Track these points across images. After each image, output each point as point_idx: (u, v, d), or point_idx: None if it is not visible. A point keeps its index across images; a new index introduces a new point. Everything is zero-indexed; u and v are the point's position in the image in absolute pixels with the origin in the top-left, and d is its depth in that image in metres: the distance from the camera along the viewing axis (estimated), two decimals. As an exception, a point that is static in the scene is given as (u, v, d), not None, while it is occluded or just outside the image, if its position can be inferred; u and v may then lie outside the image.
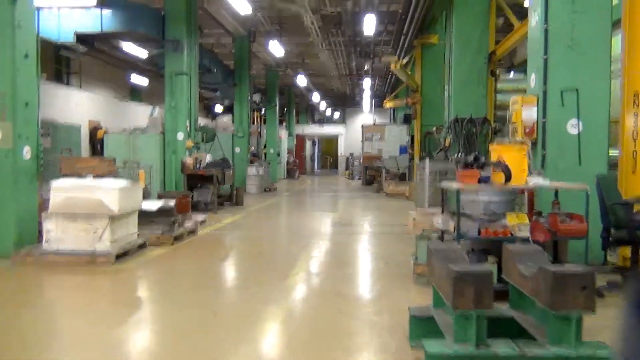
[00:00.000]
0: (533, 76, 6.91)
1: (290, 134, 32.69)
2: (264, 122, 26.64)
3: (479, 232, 5.04)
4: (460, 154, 11.61)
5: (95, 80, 18.70)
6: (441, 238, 5.71)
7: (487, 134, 11.72)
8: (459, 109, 11.79)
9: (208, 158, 12.71)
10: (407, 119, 23.21)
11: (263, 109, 27.75)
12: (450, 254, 3.80)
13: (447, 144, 11.82)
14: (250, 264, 7.03)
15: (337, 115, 42.55)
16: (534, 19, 6.94)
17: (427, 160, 11.26)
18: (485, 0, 11.77)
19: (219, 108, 31.54)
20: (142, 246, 7.30)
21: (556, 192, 5.47)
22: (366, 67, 24.09)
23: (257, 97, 19.18)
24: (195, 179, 12.34)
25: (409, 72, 17.24)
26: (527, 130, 6.66)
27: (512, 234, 4.99)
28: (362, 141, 24.06)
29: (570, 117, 6.52)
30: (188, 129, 12.56)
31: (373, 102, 30.64)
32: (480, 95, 11.83)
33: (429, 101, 17.81)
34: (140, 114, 18.66)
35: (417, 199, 12.35)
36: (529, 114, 6.67)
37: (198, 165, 12.02)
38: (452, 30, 11.94)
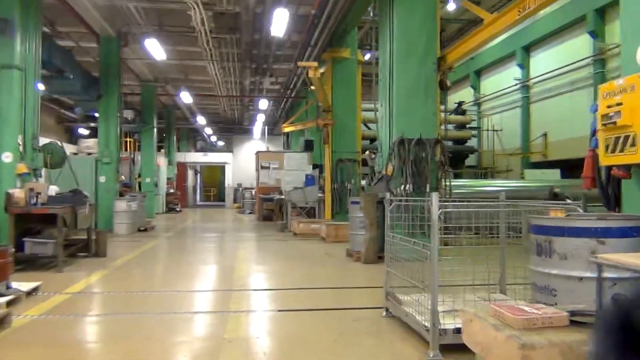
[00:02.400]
0: None
1: (170, 162, 28.49)
2: (139, 148, 22.45)
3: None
4: (407, 184, 8.85)
5: None
6: None
7: (441, 159, 9.11)
8: (403, 129, 9.09)
9: (52, 190, 8.72)
10: (309, 146, 20.46)
11: (136, 134, 23.50)
12: None
13: (388, 172, 9.02)
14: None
15: (221, 142, 38.97)
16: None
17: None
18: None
19: (85, 131, 26.65)
20: None
21: None
22: (263, 85, 21.07)
23: (129, 114, 15.24)
24: (32, 221, 8.31)
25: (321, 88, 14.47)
26: None
27: None
28: (256, 170, 20.86)
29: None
30: (21, 147, 8.53)
31: (266, 128, 27.61)
32: (429, 112, 9.25)
33: (341, 124, 15.14)
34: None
35: (355, 242, 9.36)
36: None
37: (34, 201, 8.02)
38: (392, 31, 9.30)
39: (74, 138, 30.55)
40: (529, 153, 25.10)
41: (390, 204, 5.40)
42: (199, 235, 14.85)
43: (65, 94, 14.52)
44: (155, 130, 21.77)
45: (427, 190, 8.92)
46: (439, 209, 4.16)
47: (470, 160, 26.01)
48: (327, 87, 15.04)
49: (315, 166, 20.18)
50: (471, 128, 27.64)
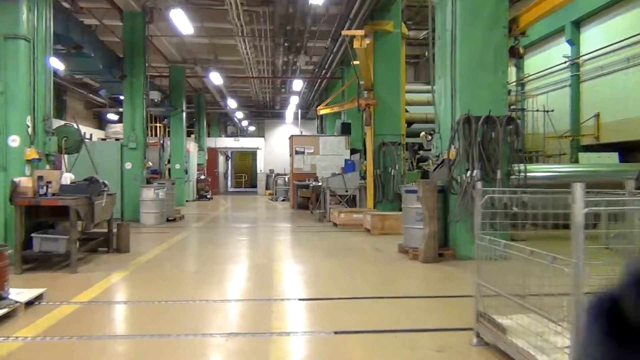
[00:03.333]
0: None
1: (200, 148, 27.57)
2: (168, 134, 21.45)
3: None
4: (473, 170, 7.51)
5: None
6: None
7: (514, 140, 7.72)
8: (469, 105, 7.73)
9: (66, 178, 7.67)
10: (346, 129, 19.15)
11: (165, 119, 22.54)
12: None
13: (450, 156, 7.68)
14: None
15: (253, 127, 37.96)
16: None
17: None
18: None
19: (114, 117, 25.90)
20: None
21: None
22: (297, 65, 19.78)
23: (155, 95, 14.18)
24: (43, 214, 7.29)
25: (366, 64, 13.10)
26: None
27: None
28: (290, 155, 19.68)
29: None
30: (30, 130, 7.49)
31: (299, 111, 26.36)
32: (499, 84, 7.86)
33: (384, 104, 13.79)
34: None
35: (411, 237, 8.08)
36: None
37: (44, 191, 6.97)
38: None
39: (102, 123, 29.94)
40: (579, 135, 23.33)
41: (483, 197, 4.07)
42: (231, 225, 13.78)
43: (85, 73, 13.53)
44: (184, 114, 20.75)
45: (498, 177, 7.56)
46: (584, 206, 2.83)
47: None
48: (369, 63, 13.66)
49: (353, 151, 18.92)
50: (514, 110, 26.02)
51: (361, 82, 13.52)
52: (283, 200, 24.16)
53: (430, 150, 9.88)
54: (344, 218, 12.28)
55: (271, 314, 4.96)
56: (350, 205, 14.31)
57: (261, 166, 32.59)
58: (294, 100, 25.08)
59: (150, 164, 15.73)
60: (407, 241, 8.28)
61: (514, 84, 27.06)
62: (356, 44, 11.57)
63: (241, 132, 36.01)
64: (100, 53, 12.71)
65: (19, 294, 5.11)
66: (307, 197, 18.82)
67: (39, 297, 5.28)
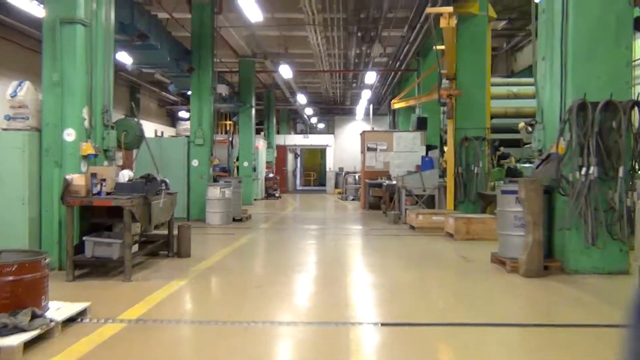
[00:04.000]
0: None
1: (269, 145, 27.12)
2: (238, 131, 21.00)
3: None
4: (590, 167, 6.21)
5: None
6: None
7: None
8: (584, 88, 6.43)
9: (124, 176, 7.07)
10: (422, 124, 17.92)
11: (235, 116, 22.13)
12: None
13: (560, 150, 6.41)
14: None
15: (322, 125, 37.25)
16: None
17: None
18: None
19: (186, 114, 25.90)
20: None
21: None
22: (370, 57, 18.73)
23: (222, 89, 13.60)
24: (98, 215, 6.72)
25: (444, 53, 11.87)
26: None
27: None
28: (362, 152, 18.68)
29: None
30: (87, 123, 6.93)
31: (370, 107, 25.26)
32: (621, 63, 6.49)
33: (467, 95, 12.48)
34: None
35: (508, 246, 6.88)
36: None
37: (97, 189, 6.37)
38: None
39: (175, 121, 30.20)
40: None
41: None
42: (299, 227, 12.95)
43: (152, 66, 13.14)
44: (253, 110, 20.23)
45: (620, 174, 6.22)
46: None
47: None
48: (454, 47, 12.39)
49: (429, 147, 17.66)
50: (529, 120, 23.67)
51: (442, 71, 12.27)
52: (353, 199, 23.20)
53: (529, 144, 8.55)
54: (422, 220, 11.14)
55: (349, 346, 3.99)
56: (428, 206, 13.12)
57: (330, 164, 31.76)
58: (366, 95, 24.01)
59: (218, 161, 15.22)
60: (502, 250, 7.07)
61: None
62: (443, 23, 10.40)
63: (310, 129, 35.38)
64: (168, 45, 12.24)
65: (58, 309, 4.43)
66: (379, 197, 17.74)
67: (82, 313, 4.60)
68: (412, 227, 11.49)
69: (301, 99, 25.57)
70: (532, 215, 6.31)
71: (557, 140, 6.42)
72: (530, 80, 24.37)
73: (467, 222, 9.74)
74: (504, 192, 6.92)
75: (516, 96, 19.63)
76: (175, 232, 7.95)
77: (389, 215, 13.04)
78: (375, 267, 7.37)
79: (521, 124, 7.43)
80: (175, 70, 13.56)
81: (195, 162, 13.32)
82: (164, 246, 7.93)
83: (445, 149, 16.82)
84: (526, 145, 14.82)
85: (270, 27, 17.39)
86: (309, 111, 31.06)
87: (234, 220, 12.98)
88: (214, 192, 12.54)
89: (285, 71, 18.16)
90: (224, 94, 13.67)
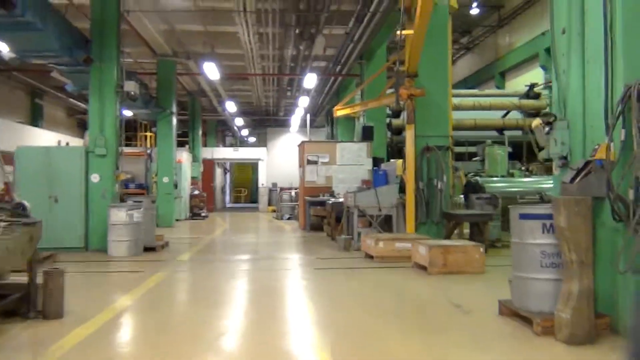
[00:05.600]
0: None
1: (195, 158, 24.33)
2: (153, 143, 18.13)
3: None
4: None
5: None
6: None
7: None
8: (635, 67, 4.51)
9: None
10: (368, 134, 15.94)
11: (155, 127, 19.27)
12: None
13: (611, 156, 4.42)
14: None
15: (253, 138, 34.78)
16: None
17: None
18: None
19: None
20: None
21: None
22: (308, 61, 16.63)
23: (131, 87, 10.93)
24: None
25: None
26: None
27: None
28: (300, 166, 16.46)
29: None
30: None
31: (308, 117, 23.13)
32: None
33: (428, 97, 10.54)
34: None
35: (532, 296, 4.74)
36: None
37: None
38: None
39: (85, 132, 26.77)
40: None
41: None
42: (228, 258, 10.41)
43: (36, 54, 10.22)
44: (175, 117, 17.51)
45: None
46: None
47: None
48: (409, 43, 10.43)
49: (375, 160, 15.71)
50: (546, 115, 23.00)
51: (401, 69, 10.24)
52: (289, 218, 20.89)
53: (542, 149, 6.58)
54: (383, 248, 8.97)
55: None
56: (383, 228, 11.03)
57: (263, 180, 29.30)
58: (303, 103, 21.80)
59: (125, 175, 12.48)
60: (520, 299, 4.96)
61: (542, 86, 24.25)
62: None
63: (241, 142, 32.81)
64: (56, 27, 9.46)
65: None
66: (321, 217, 15.52)
67: None
68: (369, 256, 9.31)
69: (230, 107, 23.02)
70: (577, 251, 4.25)
71: (609, 140, 4.42)
72: (469, 91, 23.30)
73: (444, 251, 7.66)
74: (524, 216, 4.83)
75: (457, 108, 18.55)
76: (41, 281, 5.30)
77: (339, 241, 10.81)
78: (342, 335, 5.00)
79: (535, 122, 5.39)
80: (70, 62, 10.75)
81: (95, 178, 10.54)
82: (21, 302, 5.25)
83: (393, 160, 14.99)
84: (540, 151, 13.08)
85: (193, 20, 14.91)
86: (239, 122, 28.52)
87: (145, 249, 10.29)
88: (119, 215, 9.82)
89: (211, 71, 15.64)
90: (133, 93, 10.97)
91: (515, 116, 22.05)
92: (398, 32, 9.75)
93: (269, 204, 26.90)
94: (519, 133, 21.09)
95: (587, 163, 4.69)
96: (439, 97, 10.93)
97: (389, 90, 12.54)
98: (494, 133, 20.52)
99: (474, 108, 19.66)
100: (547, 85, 24.46)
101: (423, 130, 10.74)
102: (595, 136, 4.75)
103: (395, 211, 10.84)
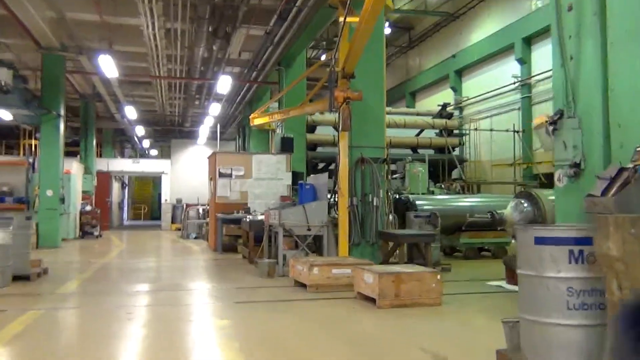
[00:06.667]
0: None
1: (88, 170, 21.58)
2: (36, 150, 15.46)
3: None
4: None
5: None
6: None
7: None
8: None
9: None
10: (287, 146, 14.54)
11: (38, 133, 16.53)
12: None
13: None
14: None
15: (155, 151, 32.19)
16: None
17: None
18: None
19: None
20: None
21: None
22: (225, 56, 15.02)
23: (3, 75, 8.73)
24: None
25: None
26: None
27: None
28: (211, 179, 14.72)
29: None
30: None
31: (218, 127, 21.31)
32: None
33: (364, 104, 9.38)
34: None
35: (542, 343, 3.50)
36: None
37: None
38: None
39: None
40: (534, 163, 20.69)
41: None
42: (125, 289, 8.43)
43: None
44: (62, 121, 15.03)
45: None
46: None
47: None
48: (343, 43, 9.18)
49: (295, 175, 14.37)
50: (457, 135, 23.29)
51: (335, 69, 8.93)
52: (196, 238, 18.89)
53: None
54: (318, 275, 7.52)
55: None
56: (311, 250, 9.62)
57: (166, 195, 26.88)
58: (214, 111, 19.99)
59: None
60: (532, 350, 3.71)
61: (452, 107, 24.53)
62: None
63: (142, 154, 30.11)
64: None
65: None
66: (236, 236, 13.86)
67: None
68: (300, 284, 7.83)
69: (130, 113, 20.66)
70: (633, 288, 3.06)
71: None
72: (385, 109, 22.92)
73: (396, 279, 6.37)
74: (542, 240, 3.60)
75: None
76: None
77: (260, 265, 9.21)
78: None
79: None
80: None
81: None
82: None
83: (312, 176, 13.74)
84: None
85: (88, 7, 12.84)
86: (140, 132, 25.99)
87: (15, 279, 8.09)
88: (-23, 237, 7.58)
89: (108, 68, 13.53)
90: (3, 83, 8.79)
91: (428, 135, 22.03)
92: (341, 19, 8.48)
93: (173, 221, 24.61)
94: (431, 152, 21.04)
95: (620, 171, 3.57)
96: (375, 103, 9.82)
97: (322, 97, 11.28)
98: (409, 151, 20.20)
99: (388, 126, 19.25)
100: (458, 106, 24.77)
101: (357, 140, 9.57)
102: (628, 137, 3.65)
103: (326, 231, 9.46)
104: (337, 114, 9.60)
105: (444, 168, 21.81)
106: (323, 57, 21.69)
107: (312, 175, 13.03)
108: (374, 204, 9.47)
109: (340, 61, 8.95)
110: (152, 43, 13.72)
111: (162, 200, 26.73)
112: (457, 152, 22.67)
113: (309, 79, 16.07)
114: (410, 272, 6.58)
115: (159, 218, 27.09)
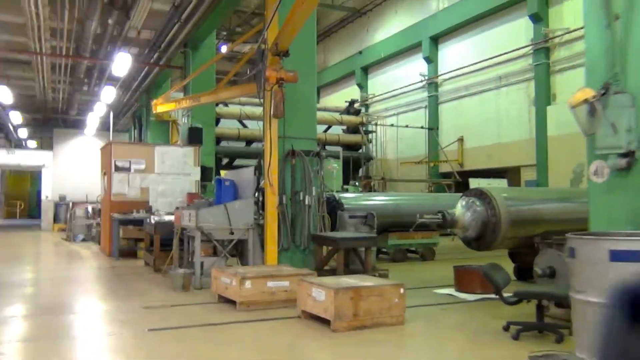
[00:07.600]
0: None
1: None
2: None
3: None
4: None
5: None
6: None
7: None
8: None
9: None
10: (196, 137, 12.97)
11: None
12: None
13: None
14: None
15: (32, 142, 28.55)
16: None
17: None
18: None
19: None
20: None
21: None
22: (122, 33, 13.06)
23: None
24: None
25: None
26: None
27: None
28: (105, 174, 12.74)
29: None
30: None
31: (111, 115, 18.95)
32: None
33: (295, 90, 8.19)
34: None
35: None
36: None
37: None
38: None
39: None
40: (439, 161, 20.90)
41: None
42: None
43: None
44: None
45: None
46: None
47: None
48: (269, 13, 7.91)
49: (204, 170, 12.85)
50: (366, 132, 23.02)
51: (263, 46, 7.63)
52: (84, 240, 16.55)
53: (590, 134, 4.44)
54: (251, 290, 6.20)
55: None
56: (233, 256, 8.26)
57: (47, 191, 23.78)
58: (107, 96, 17.62)
59: None
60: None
61: (358, 104, 24.32)
62: None
63: (17, 145, 26.49)
64: None
65: None
66: (135, 239, 12.03)
67: None
68: (225, 300, 6.48)
69: (4, 96, 17.74)
70: None
71: None
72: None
73: (355, 295, 5.25)
74: (622, 256, 2.63)
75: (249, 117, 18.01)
76: None
77: (173, 277, 7.67)
78: None
79: (577, 96, 3.22)
80: None
81: None
82: None
83: (223, 173, 12.32)
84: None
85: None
86: (16, 119, 22.67)
87: None
88: None
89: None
90: None
91: (336, 132, 21.60)
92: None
93: (55, 221, 21.73)
94: (339, 149, 20.60)
95: None
96: (306, 89, 8.66)
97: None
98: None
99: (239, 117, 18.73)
100: (364, 104, 24.45)
101: (287, 129, 8.34)
102: None
103: (251, 234, 8.13)
104: (259, 102, 8.27)
105: (354, 165, 21.31)
106: (223, 49, 20.24)
107: (231, 170, 11.58)
108: (306, 202, 8.32)
109: (270, 37, 7.67)
110: (32, 12, 11.49)
111: (42, 197, 23.59)
112: (363, 150, 22.32)
113: (217, 72, 14.55)
114: (370, 286, 5.50)
115: (38, 217, 23.92)
